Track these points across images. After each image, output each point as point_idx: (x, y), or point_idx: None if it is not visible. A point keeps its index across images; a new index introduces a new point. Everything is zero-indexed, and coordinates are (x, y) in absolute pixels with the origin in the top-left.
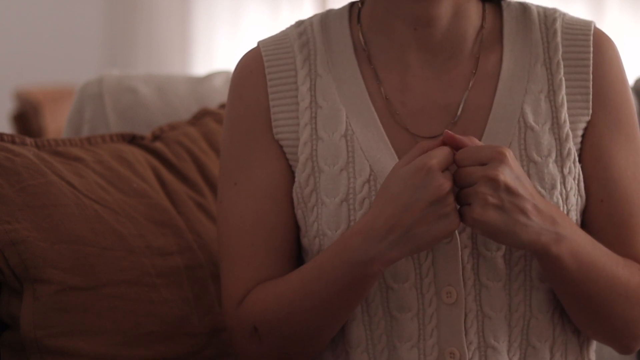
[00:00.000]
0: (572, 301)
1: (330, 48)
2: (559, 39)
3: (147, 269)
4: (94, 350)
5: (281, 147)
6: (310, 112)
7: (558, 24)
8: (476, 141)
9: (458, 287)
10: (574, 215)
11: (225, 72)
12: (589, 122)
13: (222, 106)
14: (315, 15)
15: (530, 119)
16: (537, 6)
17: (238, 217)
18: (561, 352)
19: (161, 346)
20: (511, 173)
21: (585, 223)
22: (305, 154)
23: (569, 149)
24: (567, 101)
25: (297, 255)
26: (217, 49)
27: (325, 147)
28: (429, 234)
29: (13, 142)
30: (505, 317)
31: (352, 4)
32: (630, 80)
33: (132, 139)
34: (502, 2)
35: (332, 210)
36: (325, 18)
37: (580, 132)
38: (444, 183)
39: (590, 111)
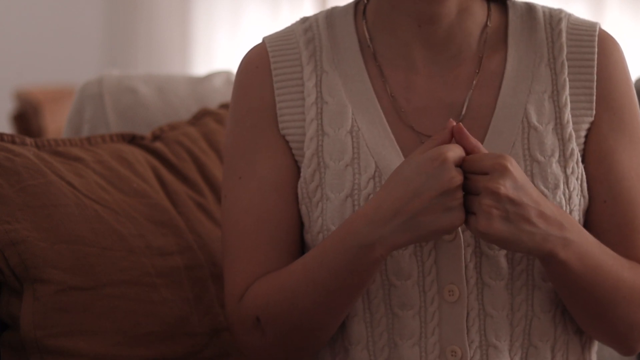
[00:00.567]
0: (576, 304)
1: (336, 45)
2: (563, 39)
3: (147, 269)
4: (94, 350)
5: (287, 142)
6: (316, 108)
7: (563, 25)
8: (478, 144)
9: (460, 285)
10: (577, 216)
11: (226, 72)
12: (592, 123)
13: (222, 106)
14: (320, 12)
15: (534, 118)
16: (543, 6)
17: (242, 211)
18: (562, 352)
19: (161, 346)
20: (513, 184)
21: (588, 224)
22: (311, 149)
23: (572, 149)
24: (571, 102)
25: (300, 251)
26: (217, 49)
27: (331, 143)
28: (434, 224)
29: (13, 142)
30: (507, 316)
31: (357, 1)
32: None
33: (132, 139)
34: (508, 1)
35: (336, 206)
36: (331, 15)
37: (583, 133)
38: (456, 176)
39: (594, 112)
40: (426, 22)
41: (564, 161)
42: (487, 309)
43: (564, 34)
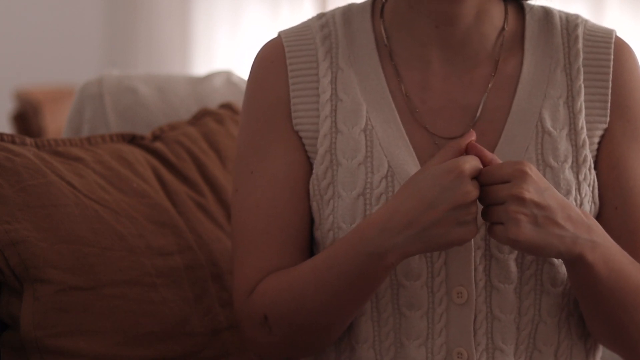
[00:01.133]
0: (596, 308)
1: (352, 42)
2: (580, 45)
3: (147, 269)
4: (94, 350)
5: (300, 138)
6: (330, 105)
7: (580, 30)
8: (495, 157)
9: (469, 287)
10: None
11: (226, 72)
12: (606, 130)
13: (222, 106)
14: (337, 9)
15: (548, 124)
16: (560, 11)
17: (253, 206)
18: (566, 357)
19: (161, 346)
20: (536, 188)
21: None
22: (324, 146)
23: (585, 156)
24: (585, 108)
25: (310, 247)
26: (217, 49)
27: (344, 141)
28: (446, 237)
29: (13, 142)
30: (515, 320)
31: None
32: None
33: (132, 139)
34: (525, 5)
35: (348, 204)
36: (348, 11)
37: (597, 140)
38: (472, 191)
39: (608, 119)
40: (444, 23)
41: (576, 167)
42: (495, 312)
43: (580, 40)
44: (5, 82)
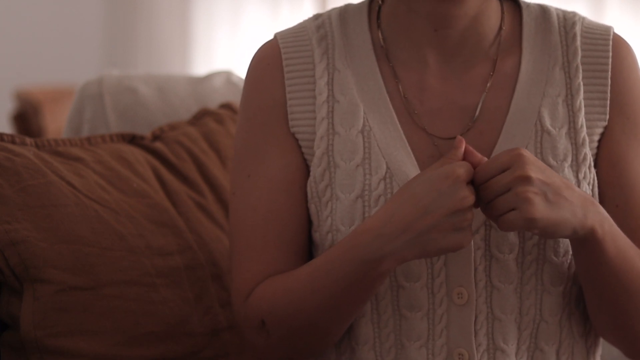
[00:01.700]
0: (602, 296)
1: (349, 43)
2: (578, 43)
3: (147, 269)
4: (94, 350)
5: (297, 140)
6: (327, 107)
7: (577, 28)
8: (484, 158)
9: (469, 288)
10: None
11: (225, 72)
12: (605, 128)
13: (222, 106)
14: (333, 9)
15: (547, 122)
16: (557, 9)
17: (250, 209)
18: (567, 356)
19: (161, 346)
20: (537, 167)
21: None
22: (321, 148)
23: (585, 154)
24: (585, 106)
25: (307, 250)
26: (217, 49)
27: (341, 142)
28: (441, 242)
29: (13, 142)
30: (516, 320)
31: (371, 0)
32: None
33: (132, 139)
34: (521, 3)
35: (346, 206)
36: (344, 12)
37: (596, 138)
38: (469, 196)
39: (608, 116)
40: (442, 26)
41: (576, 166)
42: (496, 312)
43: (578, 38)
44: (5, 82)
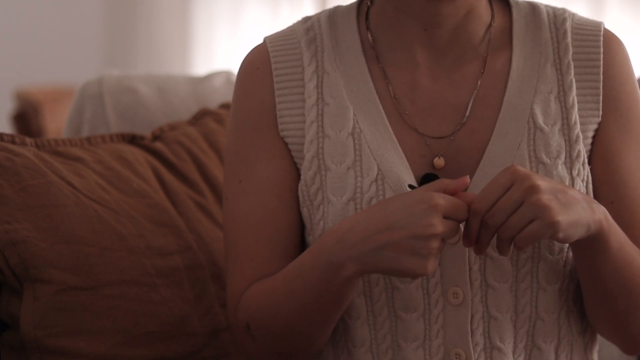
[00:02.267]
0: (603, 296)
1: (338, 45)
2: (569, 39)
3: (147, 269)
4: (94, 350)
5: (286, 144)
6: (316, 110)
7: (568, 24)
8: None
9: (465, 288)
10: None
11: (225, 72)
12: (599, 124)
13: (222, 106)
14: (322, 12)
15: (540, 119)
16: (546, 5)
17: (242, 215)
18: (566, 353)
19: (161, 346)
20: (538, 176)
21: None
22: (311, 151)
23: (579, 151)
24: (578, 102)
25: (299, 253)
26: (217, 49)
27: (332, 145)
28: (397, 263)
29: (13, 142)
30: (511, 319)
31: (360, 1)
32: None
33: (132, 139)
34: (511, 1)
35: (338, 209)
36: (333, 14)
37: (590, 134)
38: (437, 225)
39: (601, 112)
40: (432, 25)
41: (569, 163)
42: (491, 311)
43: (569, 34)
44: (5, 82)
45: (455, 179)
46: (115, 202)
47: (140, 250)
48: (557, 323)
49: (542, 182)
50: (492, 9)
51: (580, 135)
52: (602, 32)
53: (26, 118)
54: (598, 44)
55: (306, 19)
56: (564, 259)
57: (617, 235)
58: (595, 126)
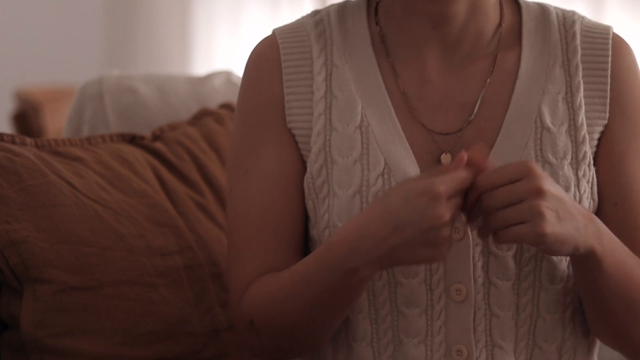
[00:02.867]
0: (602, 308)
1: (347, 39)
2: (578, 41)
3: (147, 269)
4: (94, 350)
5: (293, 136)
6: (325, 102)
7: (577, 27)
8: (491, 160)
9: (468, 284)
10: None
11: (226, 72)
12: (605, 127)
13: (223, 106)
14: (332, 5)
15: (547, 119)
16: (556, 7)
17: (247, 206)
18: (570, 355)
19: (161, 346)
20: (549, 181)
21: None
22: (318, 144)
23: (585, 152)
24: (585, 104)
25: (304, 246)
26: (217, 49)
27: (339, 138)
28: (414, 257)
29: (13, 142)
30: (513, 317)
31: None
32: None
33: (132, 139)
34: (521, 1)
35: (344, 203)
36: (343, 8)
37: (596, 136)
38: (445, 213)
39: (607, 115)
40: (440, 23)
41: (576, 163)
42: (493, 309)
43: (578, 36)
44: (5, 82)
45: (452, 162)
46: (115, 202)
47: (140, 250)
48: (561, 323)
49: (550, 189)
50: (501, 9)
51: (587, 136)
52: (611, 36)
53: (26, 118)
54: (607, 47)
55: (315, 12)
56: (567, 259)
57: (615, 253)
58: (601, 128)
